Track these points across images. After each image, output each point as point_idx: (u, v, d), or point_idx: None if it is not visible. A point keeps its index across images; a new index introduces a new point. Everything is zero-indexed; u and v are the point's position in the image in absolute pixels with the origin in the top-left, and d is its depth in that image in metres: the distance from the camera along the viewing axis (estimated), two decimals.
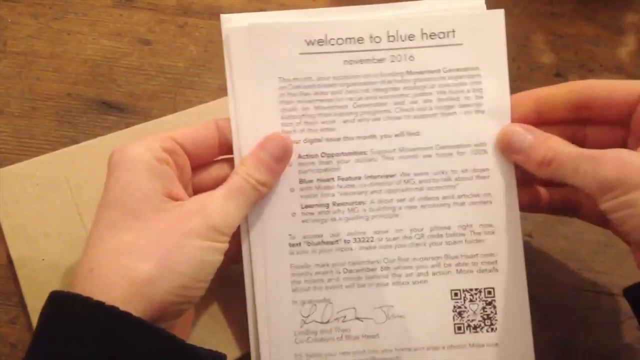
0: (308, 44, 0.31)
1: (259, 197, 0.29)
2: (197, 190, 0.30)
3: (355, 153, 0.31)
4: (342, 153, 0.31)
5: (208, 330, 0.34)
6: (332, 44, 0.31)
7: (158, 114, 0.40)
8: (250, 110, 0.31)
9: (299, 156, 0.31)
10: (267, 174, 0.29)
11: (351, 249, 0.31)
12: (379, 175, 0.31)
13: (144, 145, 0.28)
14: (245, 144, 0.30)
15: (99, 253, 0.26)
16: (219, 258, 0.27)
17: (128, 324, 0.24)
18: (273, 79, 0.31)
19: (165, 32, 0.43)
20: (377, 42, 0.31)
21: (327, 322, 0.30)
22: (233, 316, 0.34)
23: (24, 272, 0.34)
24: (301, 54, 0.31)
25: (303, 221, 0.31)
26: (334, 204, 0.31)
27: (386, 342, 0.30)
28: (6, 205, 0.35)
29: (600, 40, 0.44)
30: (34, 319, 0.34)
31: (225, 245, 0.28)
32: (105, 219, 0.27)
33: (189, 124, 0.31)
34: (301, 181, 0.31)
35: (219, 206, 0.28)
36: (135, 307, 0.24)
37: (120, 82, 0.41)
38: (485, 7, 0.31)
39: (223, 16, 0.31)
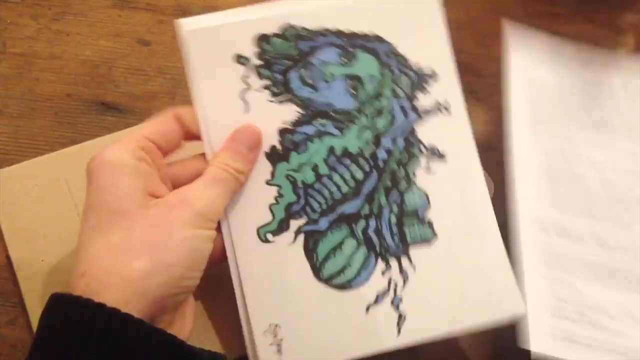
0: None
1: (238, 185, 0.30)
2: (176, 187, 0.30)
3: None
4: None
5: (207, 331, 0.34)
6: None
7: (157, 114, 0.40)
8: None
9: None
10: (243, 162, 0.30)
11: None
12: None
13: (120, 147, 0.28)
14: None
15: (91, 255, 0.26)
16: (208, 245, 0.28)
17: (128, 325, 0.24)
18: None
19: (164, 33, 0.43)
20: None
21: None
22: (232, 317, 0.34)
23: (23, 273, 0.34)
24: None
25: None
26: None
27: None
28: (6, 206, 0.36)
29: (600, 40, 0.44)
30: (34, 319, 0.34)
31: (213, 232, 0.28)
32: (92, 221, 0.27)
33: None
34: None
35: (200, 194, 0.28)
36: (134, 306, 0.25)
37: (119, 83, 0.41)
38: None
39: (180, 21, 0.31)
